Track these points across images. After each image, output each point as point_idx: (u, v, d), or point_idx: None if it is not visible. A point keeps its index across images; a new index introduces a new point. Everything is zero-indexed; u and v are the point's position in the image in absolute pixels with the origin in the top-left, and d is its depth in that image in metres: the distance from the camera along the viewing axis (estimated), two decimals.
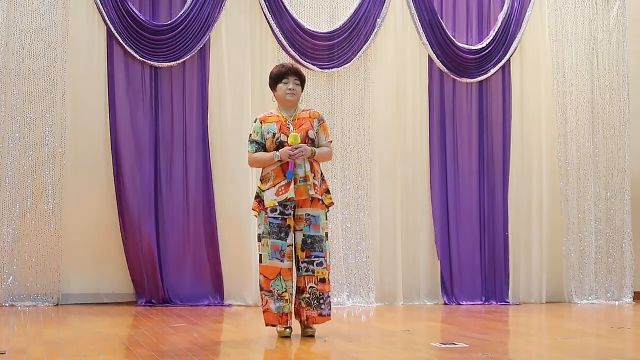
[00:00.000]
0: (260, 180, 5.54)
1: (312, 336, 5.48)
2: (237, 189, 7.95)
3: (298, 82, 5.60)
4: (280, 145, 5.46)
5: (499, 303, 8.42)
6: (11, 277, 7.48)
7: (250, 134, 5.59)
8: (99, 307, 7.54)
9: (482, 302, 8.40)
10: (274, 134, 5.49)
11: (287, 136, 5.45)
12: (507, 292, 8.48)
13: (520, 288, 8.54)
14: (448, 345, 5.16)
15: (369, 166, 8.30)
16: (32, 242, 7.54)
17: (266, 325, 5.49)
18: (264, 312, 5.47)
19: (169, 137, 7.89)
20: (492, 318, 7.18)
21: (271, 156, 5.45)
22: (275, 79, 5.61)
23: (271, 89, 5.68)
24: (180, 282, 7.79)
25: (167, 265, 7.76)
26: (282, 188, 5.41)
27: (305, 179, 5.44)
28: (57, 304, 7.57)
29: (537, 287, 8.59)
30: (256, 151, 5.54)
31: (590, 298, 8.68)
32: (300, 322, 5.55)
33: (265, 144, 5.52)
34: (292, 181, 5.40)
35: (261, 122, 5.58)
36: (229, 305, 7.84)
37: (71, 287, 7.69)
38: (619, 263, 8.79)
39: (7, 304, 7.44)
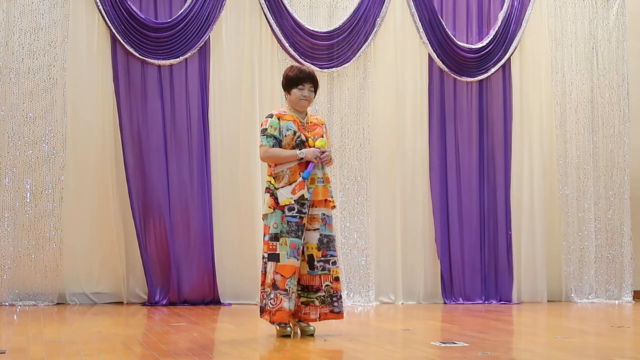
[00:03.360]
0: (274, 177, 5.50)
1: (312, 335, 5.49)
2: (236, 187, 7.96)
3: (313, 88, 5.62)
4: (301, 144, 5.47)
5: (498, 302, 8.42)
6: (11, 276, 7.48)
7: (266, 129, 5.52)
8: (99, 306, 7.54)
9: (482, 302, 8.40)
10: (294, 132, 5.49)
11: (306, 137, 5.49)
12: (507, 291, 8.48)
13: (520, 287, 8.54)
14: (448, 345, 5.17)
15: (369, 165, 8.30)
16: (32, 241, 7.54)
17: (278, 324, 5.44)
18: (275, 311, 5.39)
19: (170, 135, 7.89)
20: (492, 317, 7.18)
21: (292, 154, 5.44)
22: (292, 82, 5.59)
23: (284, 90, 5.67)
24: (179, 281, 7.78)
25: (168, 264, 7.75)
26: (297, 187, 5.42)
27: (325, 180, 5.53)
28: (57, 303, 7.57)
29: (536, 286, 8.58)
30: (273, 146, 5.52)
31: (590, 297, 8.69)
32: (302, 320, 5.55)
33: (281, 140, 5.51)
34: (308, 181, 5.42)
35: (278, 118, 5.56)
36: (229, 304, 7.84)
37: (71, 287, 7.68)
38: (618, 262, 8.79)
39: (7, 303, 7.45)
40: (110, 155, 7.78)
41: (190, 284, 7.81)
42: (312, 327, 5.54)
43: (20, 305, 7.42)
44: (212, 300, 7.84)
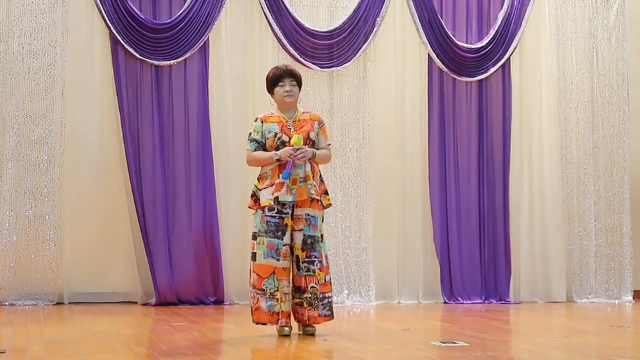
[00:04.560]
0: (257, 179, 5.57)
1: (313, 335, 5.49)
2: (239, 187, 7.96)
3: (294, 83, 5.62)
4: (281, 145, 5.49)
5: (498, 302, 8.43)
6: (11, 276, 7.48)
7: (250, 133, 5.61)
8: (99, 306, 7.54)
9: (481, 301, 8.40)
10: (275, 134, 5.52)
11: (289, 137, 5.47)
12: (507, 291, 8.48)
13: (520, 287, 8.54)
14: (448, 344, 5.17)
15: (369, 165, 8.30)
16: (32, 241, 7.54)
17: (256, 323, 5.49)
18: (254, 310, 5.46)
19: (170, 135, 7.88)
20: (492, 317, 7.18)
21: (270, 155, 5.47)
22: (272, 82, 5.63)
23: (269, 93, 5.71)
24: (180, 280, 7.78)
25: (168, 263, 7.75)
26: (275, 188, 5.43)
27: (306, 179, 5.47)
28: (57, 303, 7.57)
29: (536, 285, 8.58)
30: (255, 150, 5.56)
31: (590, 297, 8.68)
32: (299, 321, 5.56)
33: (265, 144, 5.54)
34: (288, 182, 5.41)
35: (262, 122, 5.60)
36: (229, 304, 7.84)
37: (71, 286, 7.68)
38: (618, 262, 8.79)
39: (7, 303, 7.45)
40: (110, 155, 7.79)
41: (192, 283, 7.80)
42: (313, 327, 5.55)
43: (20, 305, 7.42)
44: (215, 300, 7.83)
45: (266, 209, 5.45)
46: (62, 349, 4.86)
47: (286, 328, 5.48)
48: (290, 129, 5.55)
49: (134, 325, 6.26)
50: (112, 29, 7.71)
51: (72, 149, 7.68)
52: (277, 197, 5.41)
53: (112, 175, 7.79)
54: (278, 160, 5.45)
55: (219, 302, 7.84)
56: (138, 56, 7.78)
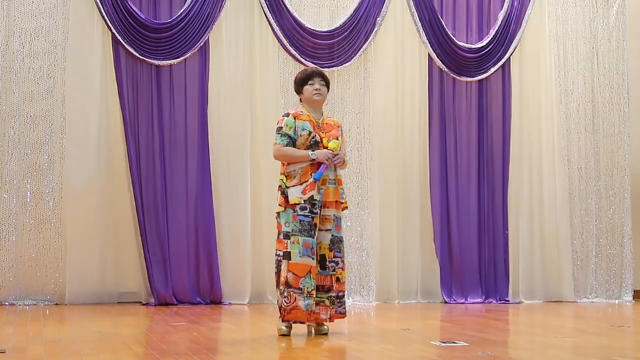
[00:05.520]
0: (286, 176, 5.54)
1: (326, 334, 5.53)
2: (236, 188, 7.96)
3: (323, 82, 5.68)
4: (315, 144, 5.51)
5: (498, 302, 8.43)
6: (12, 276, 7.49)
7: (281, 127, 5.58)
8: (100, 306, 7.54)
9: (481, 301, 8.40)
10: (309, 132, 5.53)
11: (321, 137, 5.52)
12: (507, 291, 8.49)
13: (520, 286, 8.54)
14: (448, 344, 5.17)
15: (369, 165, 8.30)
16: (33, 241, 7.54)
17: (293, 322, 5.47)
18: (290, 309, 5.41)
19: (169, 135, 7.89)
20: (492, 317, 7.18)
21: (305, 154, 5.48)
22: (301, 82, 5.67)
23: (297, 93, 5.75)
24: (179, 280, 7.78)
25: (167, 264, 7.75)
26: (308, 187, 5.46)
27: (337, 182, 5.57)
28: (57, 303, 7.57)
29: (536, 285, 8.58)
30: (287, 145, 5.55)
31: (590, 296, 8.69)
32: (315, 320, 5.56)
33: (296, 140, 5.54)
34: (319, 182, 5.45)
35: (294, 118, 5.60)
36: (229, 304, 7.84)
37: (71, 286, 7.67)
38: (618, 261, 8.79)
39: (7, 303, 7.45)
40: (110, 155, 7.78)
41: (191, 283, 7.81)
42: (326, 327, 5.58)
43: (20, 305, 7.42)
44: (212, 300, 7.84)
45: (297, 208, 5.46)
46: (62, 349, 4.87)
47: (287, 328, 5.49)
48: (320, 130, 5.58)
49: (134, 325, 6.26)
50: (112, 29, 7.71)
51: (73, 149, 7.68)
52: (312, 196, 5.43)
53: (112, 175, 7.78)
54: (312, 160, 5.47)
55: (220, 302, 7.83)
56: (138, 56, 7.78)
